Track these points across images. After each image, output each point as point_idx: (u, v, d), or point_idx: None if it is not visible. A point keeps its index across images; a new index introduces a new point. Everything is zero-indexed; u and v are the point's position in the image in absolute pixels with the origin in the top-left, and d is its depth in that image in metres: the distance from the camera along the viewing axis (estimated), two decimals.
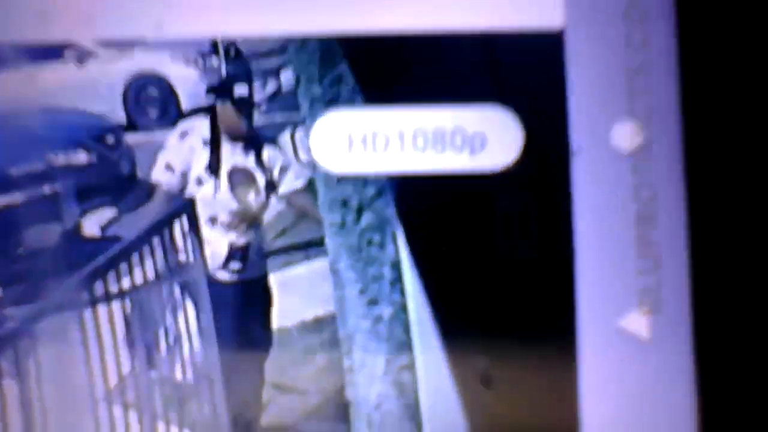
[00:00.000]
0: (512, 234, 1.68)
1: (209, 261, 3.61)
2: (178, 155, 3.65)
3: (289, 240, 4.23)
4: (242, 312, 3.68)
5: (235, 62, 3.24)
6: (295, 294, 3.94)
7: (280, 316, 3.71)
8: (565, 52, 1.33)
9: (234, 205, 3.62)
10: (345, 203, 1.88)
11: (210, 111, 3.55)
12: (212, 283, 3.59)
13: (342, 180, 1.87)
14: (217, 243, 3.63)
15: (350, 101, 1.84)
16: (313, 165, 1.78)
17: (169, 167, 3.67)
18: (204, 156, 3.61)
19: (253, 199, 3.60)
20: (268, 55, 2.58)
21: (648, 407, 1.30)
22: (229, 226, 3.64)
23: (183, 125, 3.70)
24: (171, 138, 3.71)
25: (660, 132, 1.26)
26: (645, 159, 1.27)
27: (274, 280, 3.75)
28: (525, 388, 1.65)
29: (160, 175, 3.70)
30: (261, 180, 3.63)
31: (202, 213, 3.57)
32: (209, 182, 3.60)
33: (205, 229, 3.62)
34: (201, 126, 3.65)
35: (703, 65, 1.34)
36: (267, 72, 2.79)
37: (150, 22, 1.41)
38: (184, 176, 3.65)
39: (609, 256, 1.27)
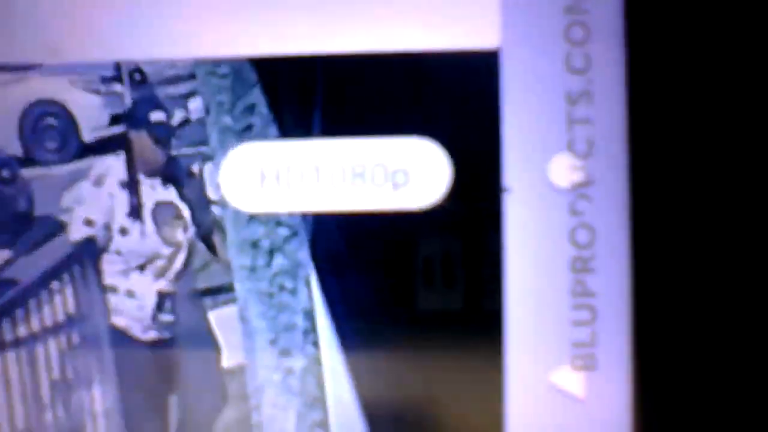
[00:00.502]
0: (435, 280, 1.65)
1: (133, 317, 3.52)
2: (97, 207, 3.54)
3: (201, 284, 4.16)
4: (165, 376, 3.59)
5: (140, 88, 3.17)
6: None
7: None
8: (499, 76, 1.29)
9: (163, 246, 3.54)
10: (255, 245, 1.85)
11: (121, 143, 3.47)
12: (132, 344, 3.50)
13: (253, 219, 1.83)
14: (145, 293, 3.54)
15: (263, 133, 1.80)
16: (222, 202, 1.75)
17: (88, 223, 3.56)
18: (123, 201, 3.51)
19: (181, 236, 3.52)
20: (175, 82, 2.53)
21: None
22: (159, 272, 3.55)
23: (95, 169, 3.61)
24: (84, 187, 3.61)
25: (603, 167, 1.21)
26: (585, 197, 1.22)
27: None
28: None
29: (78, 234, 3.60)
30: (187, 213, 3.55)
31: (131, 261, 3.48)
32: (134, 228, 3.51)
33: (134, 278, 3.52)
34: (115, 165, 3.56)
35: (654, 91, 1.29)
36: (174, 99, 2.73)
37: (45, 47, 1.37)
38: (108, 229, 3.55)
39: (541, 306, 1.22)
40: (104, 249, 3.37)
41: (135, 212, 3.54)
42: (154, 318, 3.58)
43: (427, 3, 1.37)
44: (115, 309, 2.87)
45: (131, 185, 3.53)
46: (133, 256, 3.52)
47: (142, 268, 3.54)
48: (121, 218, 3.56)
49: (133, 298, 3.44)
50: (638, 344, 1.22)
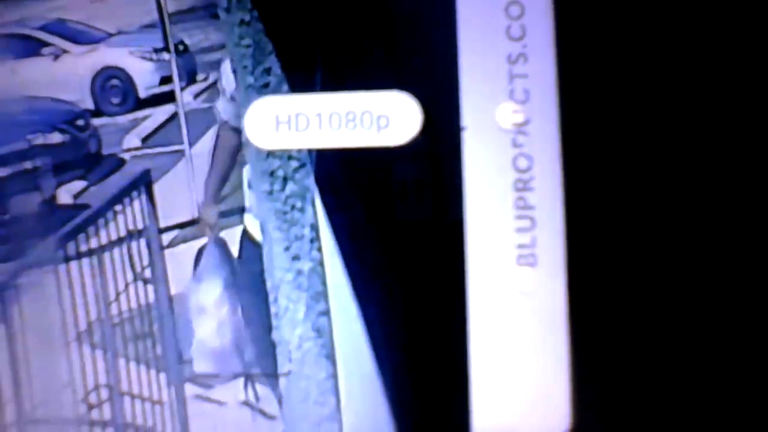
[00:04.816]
0: (410, 197, 1.65)
1: None
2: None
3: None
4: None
5: (183, 56, 3.15)
6: None
7: None
8: (457, 45, 1.28)
9: None
10: (272, 174, 1.84)
11: (169, 98, 3.48)
12: None
13: (270, 155, 1.83)
14: None
15: (278, 89, 1.80)
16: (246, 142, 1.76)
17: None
18: None
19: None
20: (209, 51, 2.53)
21: (528, 353, 1.24)
22: None
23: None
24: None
25: (537, 110, 1.20)
26: (523, 133, 1.21)
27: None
28: (420, 333, 1.62)
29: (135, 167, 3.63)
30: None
31: None
32: None
33: None
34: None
35: (577, 53, 1.29)
36: (209, 64, 2.73)
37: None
38: None
39: (492, 216, 1.22)
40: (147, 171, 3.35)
41: None
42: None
43: None
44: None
45: None
46: None
47: None
48: None
49: None
50: (570, 245, 1.22)
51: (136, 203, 3.55)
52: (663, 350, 1.47)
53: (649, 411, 1.50)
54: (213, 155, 3.58)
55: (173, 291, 3.67)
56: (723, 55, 1.45)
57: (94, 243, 3.48)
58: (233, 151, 3.52)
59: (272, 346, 1.88)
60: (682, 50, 1.45)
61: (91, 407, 3.40)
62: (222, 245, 3.60)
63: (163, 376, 3.63)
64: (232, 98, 3.26)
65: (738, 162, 1.47)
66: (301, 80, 1.76)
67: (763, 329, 1.47)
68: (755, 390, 1.46)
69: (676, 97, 1.46)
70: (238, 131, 3.11)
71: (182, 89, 3.19)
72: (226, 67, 3.31)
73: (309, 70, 1.74)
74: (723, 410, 1.48)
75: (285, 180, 1.83)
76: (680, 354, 1.47)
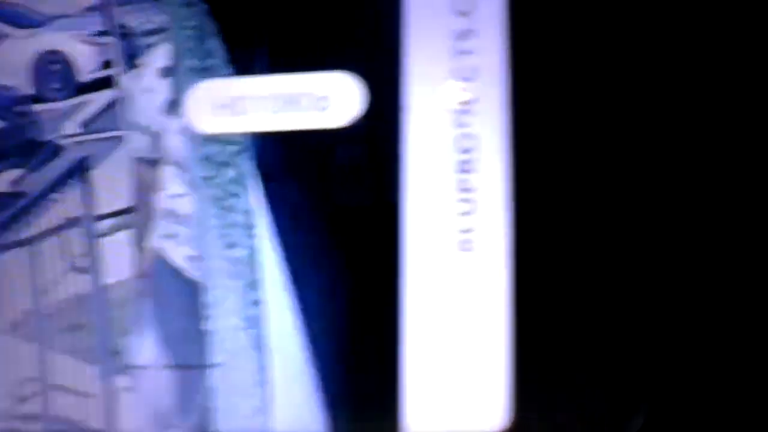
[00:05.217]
0: (350, 182, 1.60)
1: None
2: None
3: None
4: None
5: (125, 39, 3.07)
6: None
7: None
8: (402, 23, 1.23)
9: None
10: (211, 159, 1.79)
11: (109, 82, 3.37)
12: None
13: (209, 139, 1.77)
14: None
15: (220, 71, 1.75)
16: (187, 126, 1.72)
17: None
18: None
19: None
20: (152, 34, 2.46)
21: (466, 346, 1.19)
22: None
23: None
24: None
25: (484, 89, 1.15)
26: (469, 113, 1.16)
27: None
28: (355, 323, 1.57)
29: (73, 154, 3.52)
30: None
31: None
32: None
33: None
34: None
35: (530, 28, 1.24)
36: (151, 47, 2.67)
37: None
38: None
39: (433, 200, 1.17)
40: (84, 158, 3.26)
41: None
42: None
43: None
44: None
45: None
46: None
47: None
48: None
49: None
50: (513, 229, 1.17)
51: (73, 191, 3.46)
52: (607, 343, 1.43)
53: (591, 408, 1.46)
54: (136, 197, 3.40)
55: (109, 281, 3.59)
56: (674, 37, 1.41)
57: (29, 232, 3.40)
58: (153, 186, 3.32)
59: (205, 336, 1.82)
60: (636, 28, 1.41)
61: (21, 400, 3.33)
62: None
63: (94, 368, 3.55)
64: (144, 127, 3.08)
65: (677, 143, 1.43)
66: (243, 62, 1.71)
67: (692, 313, 1.43)
68: (693, 378, 1.42)
69: (630, 76, 1.42)
70: (154, 162, 2.98)
71: (124, 73, 3.10)
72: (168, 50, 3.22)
73: (252, 52, 1.70)
74: (663, 404, 1.44)
75: (223, 165, 1.78)
76: (625, 348, 1.43)
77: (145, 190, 3.12)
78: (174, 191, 2.24)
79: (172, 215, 2.40)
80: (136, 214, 2.93)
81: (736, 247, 1.42)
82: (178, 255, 2.29)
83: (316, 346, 1.65)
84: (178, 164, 2.42)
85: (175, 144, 2.40)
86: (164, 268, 3.15)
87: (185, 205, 2.16)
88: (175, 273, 2.71)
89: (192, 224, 1.94)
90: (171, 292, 2.92)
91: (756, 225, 1.41)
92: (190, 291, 1.92)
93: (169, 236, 2.38)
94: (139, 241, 2.86)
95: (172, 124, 2.36)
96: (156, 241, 2.37)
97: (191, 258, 2.07)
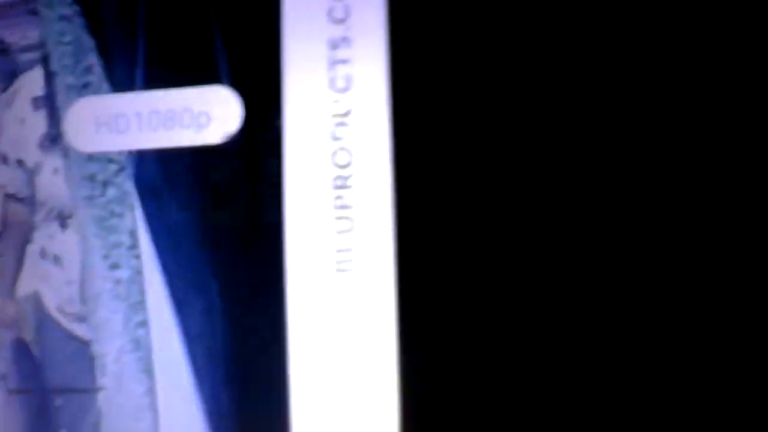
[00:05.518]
0: (229, 200, 1.57)
1: None
2: None
3: None
4: None
5: (2, 56, 2.97)
6: None
7: None
8: (282, 37, 1.20)
9: None
10: (92, 178, 1.75)
11: None
12: None
13: (90, 158, 1.73)
14: None
15: (98, 88, 1.71)
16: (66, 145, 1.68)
17: None
18: None
19: None
20: (30, 50, 2.40)
21: (352, 365, 1.17)
22: None
23: None
24: None
25: (360, 99, 1.12)
26: (344, 125, 1.13)
27: None
28: (240, 344, 1.54)
29: None
30: None
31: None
32: None
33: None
34: None
35: (409, 34, 1.21)
36: (30, 62, 2.59)
37: None
38: None
39: (311, 218, 1.14)
40: None
41: None
42: None
43: None
44: None
45: None
46: None
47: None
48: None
49: None
50: (396, 246, 1.14)
51: None
52: (495, 356, 1.42)
53: (482, 423, 1.44)
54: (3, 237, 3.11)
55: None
56: (561, 38, 1.40)
57: None
58: (25, 229, 3.00)
59: (90, 360, 1.78)
60: (517, 31, 1.40)
61: None
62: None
63: None
64: (18, 162, 2.85)
65: (567, 147, 1.42)
66: (122, 78, 1.68)
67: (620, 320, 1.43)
68: (626, 384, 1.42)
69: (515, 82, 1.41)
70: (26, 202, 2.76)
71: (3, 91, 3.01)
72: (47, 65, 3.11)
73: (130, 68, 1.66)
74: (578, 412, 1.43)
75: (105, 184, 1.74)
76: (516, 360, 1.42)
77: (13, 230, 2.91)
78: (47, 231, 2.18)
79: (45, 257, 2.30)
80: (2, 258, 2.74)
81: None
82: (52, 302, 2.21)
83: (202, 370, 1.62)
84: (52, 202, 2.34)
85: (51, 182, 2.32)
86: (40, 318, 3.00)
87: (60, 246, 2.11)
88: (52, 322, 2.59)
89: (67, 267, 1.90)
90: (50, 345, 2.79)
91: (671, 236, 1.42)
92: (69, 344, 1.87)
93: (43, 279, 2.29)
94: (9, 286, 2.67)
95: (49, 160, 2.28)
96: (27, 285, 2.28)
97: (66, 309, 2.02)
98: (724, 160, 1.40)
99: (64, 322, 2.01)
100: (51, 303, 2.29)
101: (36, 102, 2.22)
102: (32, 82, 2.30)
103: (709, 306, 1.40)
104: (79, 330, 2.00)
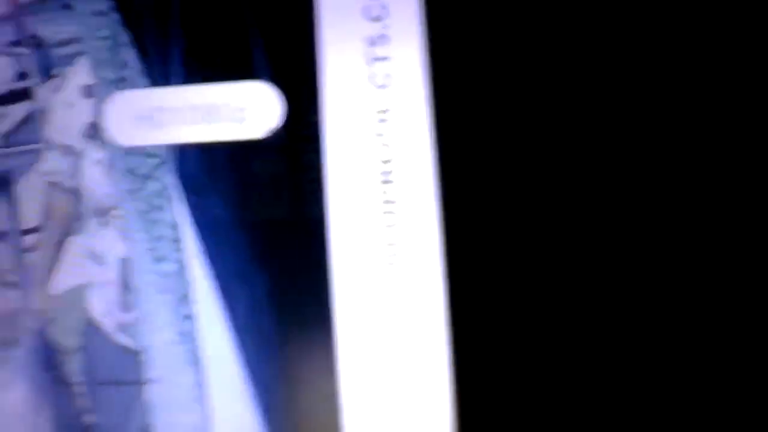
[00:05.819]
0: (270, 194, 1.58)
1: None
2: None
3: None
4: None
5: (38, 50, 2.99)
6: None
7: None
8: (319, 36, 1.21)
9: None
10: (133, 172, 1.76)
11: (26, 94, 3.24)
12: None
13: (130, 152, 1.75)
14: None
15: (135, 83, 1.73)
16: (106, 139, 1.70)
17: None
18: None
19: None
20: (65, 44, 2.42)
21: (404, 359, 1.18)
22: None
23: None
24: None
25: (399, 97, 1.13)
26: (385, 122, 1.14)
27: None
28: (288, 336, 1.56)
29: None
30: None
31: None
32: None
33: None
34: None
35: (447, 32, 1.22)
36: (64, 57, 2.61)
37: None
38: None
39: (357, 213, 1.15)
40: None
41: None
42: None
43: None
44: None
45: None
46: None
47: None
48: None
49: None
50: (441, 240, 1.15)
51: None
52: (551, 351, 1.42)
53: (541, 416, 1.45)
54: (44, 228, 3.12)
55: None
56: (602, 46, 1.40)
57: None
58: (68, 219, 2.98)
59: (135, 353, 1.80)
60: (552, 33, 1.40)
61: None
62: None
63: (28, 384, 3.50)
64: (64, 146, 2.86)
65: (618, 159, 1.42)
66: (159, 73, 1.69)
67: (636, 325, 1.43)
68: (642, 388, 1.42)
69: (551, 80, 1.41)
70: (73, 192, 2.75)
71: (41, 85, 3.03)
72: (83, 60, 3.15)
73: (168, 62, 1.68)
74: (616, 412, 1.43)
75: (145, 178, 1.75)
76: (571, 355, 1.42)
77: (55, 222, 2.90)
78: (89, 225, 2.20)
79: (85, 252, 2.28)
80: (41, 251, 2.67)
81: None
82: (95, 304, 2.20)
83: (251, 363, 1.64)
84: (94, 195, 2.35)
85: (95, 175, 2.33)
86: (79, 317, 2.99)
87: (101, 242, 2.12)
88: (93, 323, 2.59)
89: (108, 265, 1.92)
90: (92, 345, 2.78)
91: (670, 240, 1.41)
92: (113, 348, 1.89)
93: (83, 276, 2.26)
94: (44, 280, 2.61)
95: (93, 151, 2.30)
96: (64, 281, 2.29)
97: (109, 313, 2.04)
98: (760, 160, 1.39)
99: (108, 326, 2.03)
100: (93, 304, 2.30)
101: (85, 90, 2.23)
102: (80, 71, 2.32)
103: (728, 306, 1.40)
104: (124, 339, 2.02)
